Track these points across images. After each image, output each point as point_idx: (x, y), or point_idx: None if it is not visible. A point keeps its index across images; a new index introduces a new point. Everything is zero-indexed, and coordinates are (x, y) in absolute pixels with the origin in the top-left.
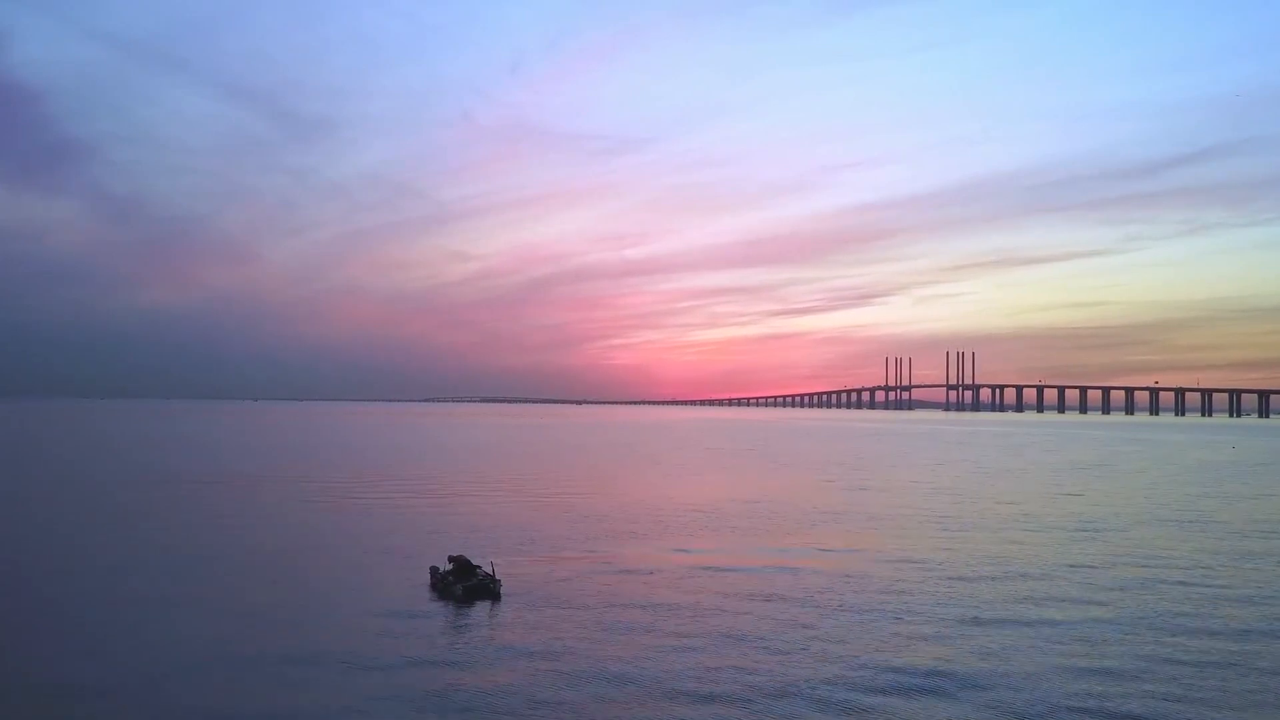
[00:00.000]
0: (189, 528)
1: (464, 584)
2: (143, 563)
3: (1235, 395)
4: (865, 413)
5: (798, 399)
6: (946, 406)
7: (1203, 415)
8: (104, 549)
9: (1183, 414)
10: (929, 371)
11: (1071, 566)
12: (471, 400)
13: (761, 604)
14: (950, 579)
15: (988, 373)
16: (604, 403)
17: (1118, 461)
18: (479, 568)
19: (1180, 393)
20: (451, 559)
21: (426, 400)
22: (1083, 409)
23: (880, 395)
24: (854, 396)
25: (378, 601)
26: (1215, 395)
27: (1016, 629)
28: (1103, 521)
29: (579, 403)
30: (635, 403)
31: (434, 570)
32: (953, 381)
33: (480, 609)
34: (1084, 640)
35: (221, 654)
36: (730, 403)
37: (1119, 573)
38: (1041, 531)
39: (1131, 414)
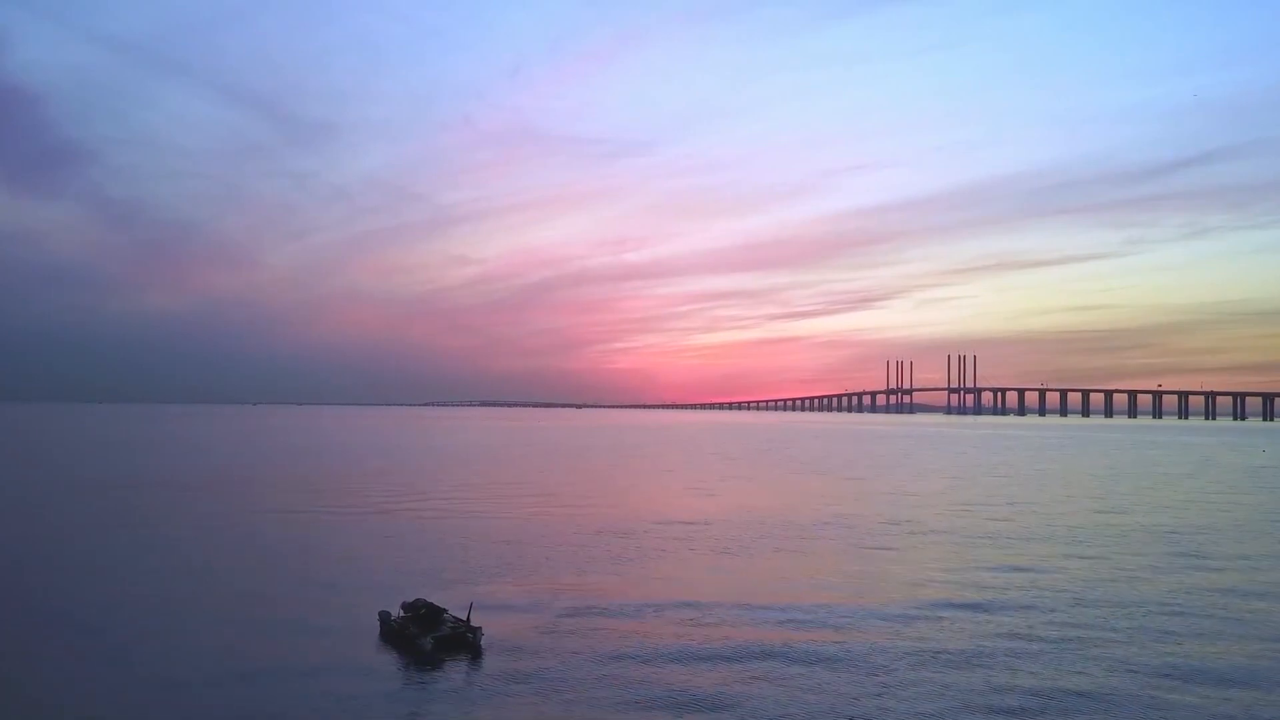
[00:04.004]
0: (113, 546)
1: (433, 635)
2: (46, 594)
3: (1239, 398)
4: (867, 416)
5: (798, 403)
6: (948, 410)
7: (1206, 418)
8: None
9: (1186, 417)
10: (930, 375)
11: (1202, 592)
12: (471, 404)
13: (838, 656)
14: (1050, 632)
15: (988, 376)
16: (604, 406)
17: (1155, 465)
18: (445, 610)
19: (1184, 396)
20: (406, 606)
21: (427, 404)
22: (1085, 412)
23: (881, 399)
24: (855, 400)
25: (315, 659)
26: (1219, 398)
27: (1202, 690)
28: (1195, 536)
29: (579, 406)
30: (635, 406)
31: (384, 617)
32: (954, 385)
33: (454, 670)
34: None
35: None
36: (730, 406)
37: (1271, 604)
38: (1134, 547)
39: (1134, 417)
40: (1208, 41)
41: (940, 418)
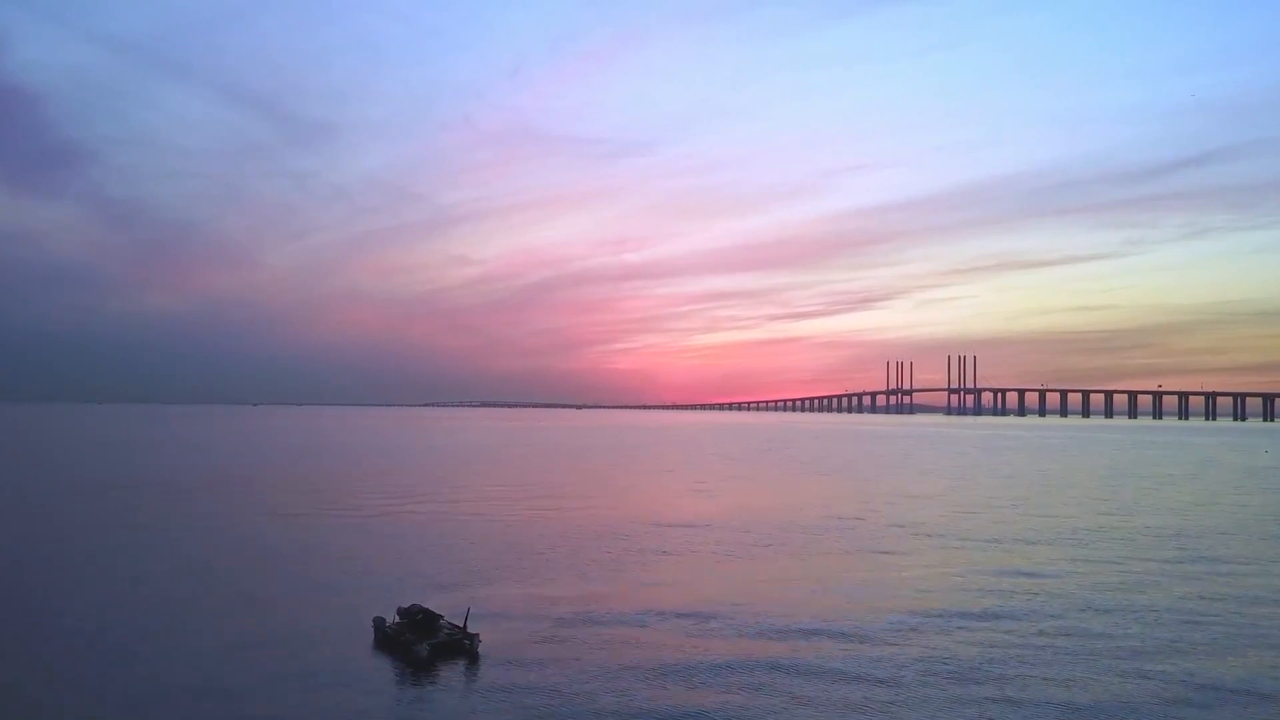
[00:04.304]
0: (113, 546)
1: (429, 641)
2: (48, 599)
3: (1240, 399)
4: (868, 417)
5: (798, 403)
6: (948, 411)
7: (1206, 419)
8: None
9: (1186, 418)
10: (930, 375)
11: (1214, 597)
12: (472, 404)
13: (845, 665)
14: (1060, 640)
15: (988, 376)
16: (605, 407)
17: (1157, 466)
18: (441, 616)
19: (1184, 396)
20: (402, 612)
21: (427, 405)
22: (1085, 413)
23: (881, 399)
24: (855, 400)
25: (310, 664)
26: (1219, 399)
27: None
28: (1202, 539)
29: (579, 407)
30: (636, 407)
31: (379, 623)
32: (954, 385)
33: (451, 676)
34: None
35: None
36: (730, 407)
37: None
38: (1141, 550)
39: (1134, 418)
40: (1208, 41)
41: (940, 418)
